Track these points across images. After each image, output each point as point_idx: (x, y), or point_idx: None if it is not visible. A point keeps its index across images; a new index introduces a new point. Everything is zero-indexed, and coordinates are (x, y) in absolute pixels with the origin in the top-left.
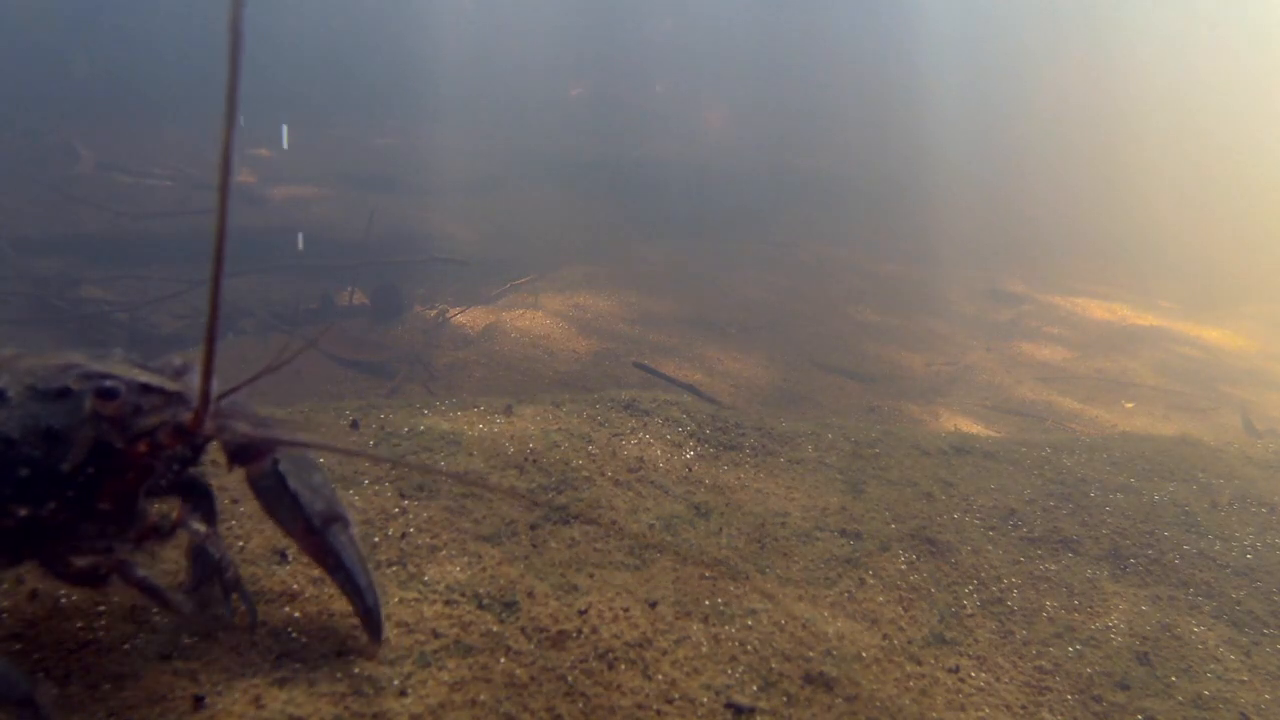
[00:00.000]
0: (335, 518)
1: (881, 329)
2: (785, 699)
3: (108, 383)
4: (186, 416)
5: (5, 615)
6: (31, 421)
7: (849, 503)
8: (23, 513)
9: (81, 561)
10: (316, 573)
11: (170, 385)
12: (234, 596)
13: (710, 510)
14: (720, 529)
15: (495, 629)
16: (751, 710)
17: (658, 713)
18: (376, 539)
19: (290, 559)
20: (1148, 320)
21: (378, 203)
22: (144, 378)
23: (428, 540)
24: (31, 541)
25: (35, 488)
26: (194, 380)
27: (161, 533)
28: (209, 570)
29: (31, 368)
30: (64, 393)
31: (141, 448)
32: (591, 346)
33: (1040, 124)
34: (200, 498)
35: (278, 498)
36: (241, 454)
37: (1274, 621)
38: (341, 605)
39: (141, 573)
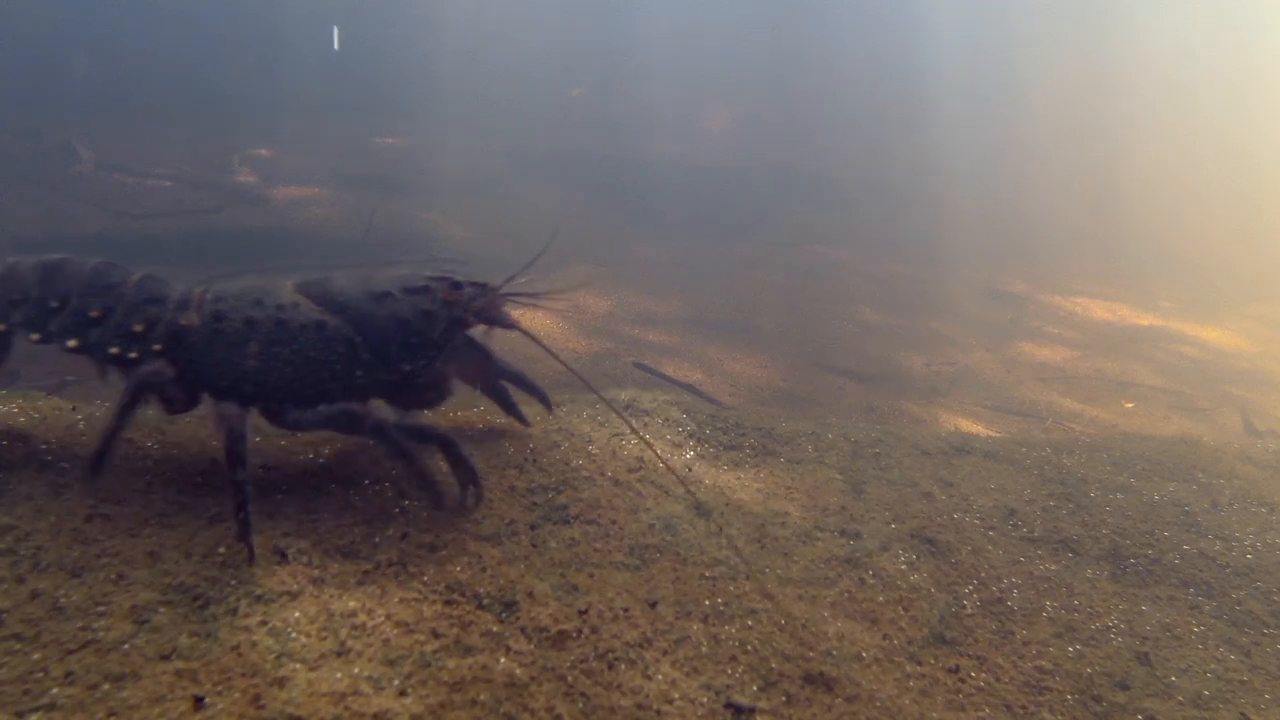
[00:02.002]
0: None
1: (882, 329)
2: (785, 699)
3: (455, 277)
4: (489, 299)
5: (5, 615)
6: (412, 307)
7: (849, 503)
8: (406, 368)
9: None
10: (316, 572)
11: (479, 279)
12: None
13: (710, 510)
14: (720, 529)
15: (495, 629)
16: (751, 710)
17: (658, 713)
18: (376, 539)
19: (290, 559)
20: (1148, 320)
21: (378, 203)
22: (461, 277)
23: (428, 540)
24: (394, 391)
25: (416, 351)
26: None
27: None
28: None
29: (391, 277)
30: (424, 288)
31: (470, 319)
32: (591, 346)
33: (1041, 124)
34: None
35: (490, 356)
36: (494, 323)
37: (1274, 621)
38: (341, 605)
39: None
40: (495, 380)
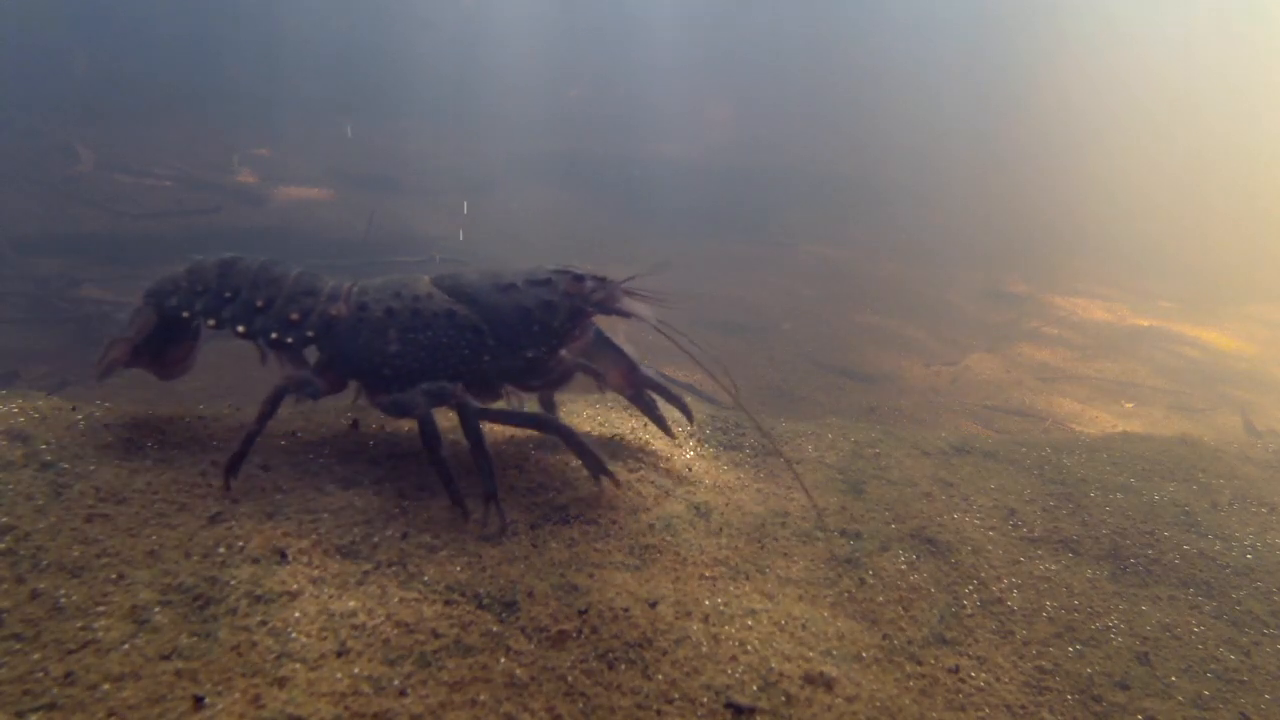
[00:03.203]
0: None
1: (881, 329)
2: (785, 699)
3: (576, 270)
4: (608, 292)
5: (5, 615)
6: (535, 297)
7: (849, 503)
8: (530, 354)
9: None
10: (316, 572)
11: (599, 273)
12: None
13: (710, 510)
14: (720, 529)
15: (495, 629)
16: (751, 710)
17: (658, 713)
18: (376, 539)
19: (290, 559)
20: (1148, 320)
21: (378, 203)
22: (581, 270)
23: (428, 540)
24: (518, 376)
25: (538, 338)
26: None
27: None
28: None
29: (517, 270)
30: (547, 280)
31: (590, 310)
32: None
33: (1041, 125)
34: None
35: (611, 345)
36: (612, 313)
37: (1274, 621)
38: (341, 605)
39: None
40: (640, 389)
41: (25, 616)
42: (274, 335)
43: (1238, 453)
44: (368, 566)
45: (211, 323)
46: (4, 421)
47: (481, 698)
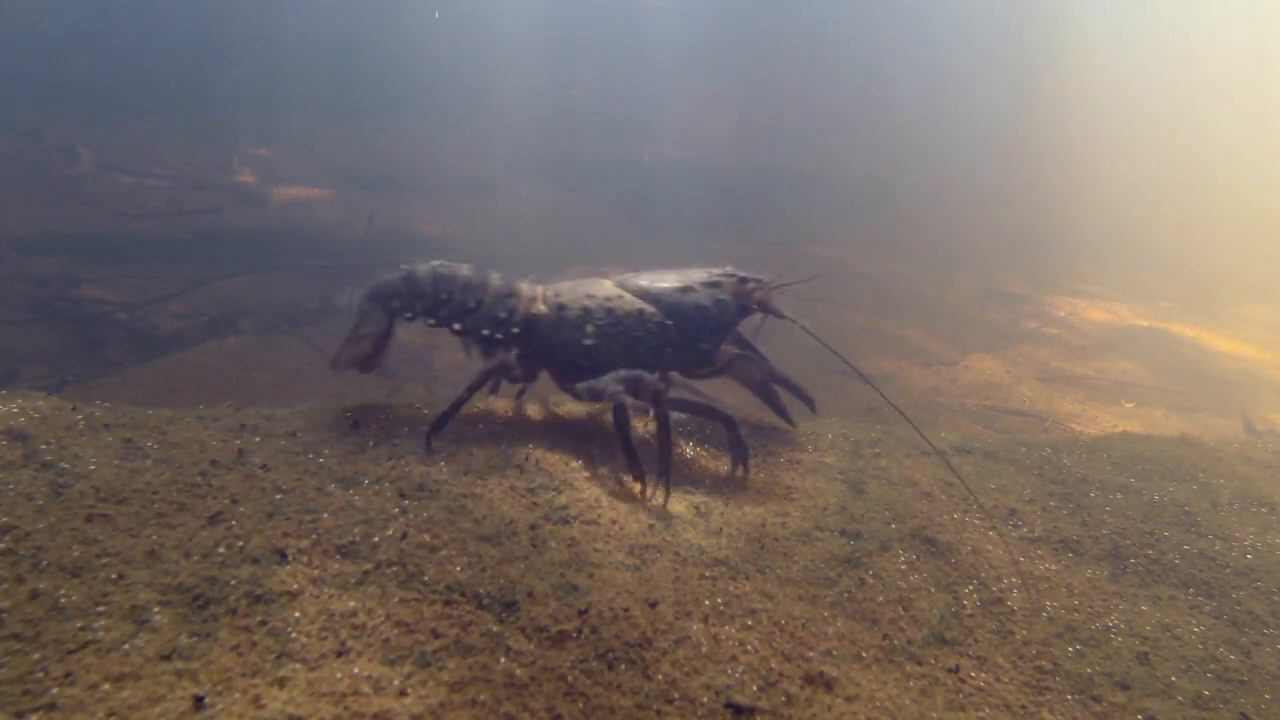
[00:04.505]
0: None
1: (881, 329)
2: (785, 699)
3: (740, 273)
4: (767, 292)
5: (5, 615)
6: (710, 296)
7: (849, 503)
8: (704, 346)
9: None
10: (316, 572)
11: (758, 275)
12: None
13: (710, 510)
14: (720, 529)
15: (495, 629)
16: (751, 710)
17: (658, 713)
18: (376, 539)
19: (290, 559)
20: (1147, 321)
21: (378, 203)
22: (744, 273)
23: (428, 540)
24: (688, 364)
25: (712, 332)
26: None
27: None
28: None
29: (691, 273)
30: (718, 282)
31: (754, 308)
32: None
33: (1040, 125)
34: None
35: (746, 342)
36: (771, 312)
37: (1274, 621)
38: (341, 605)
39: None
40: (768, 383)
41: (25, 616)
42: (485, 332)
43: (1238, 453)
44: (368, 566)
45: (431, 322)
46: (4, 421)
47: (481, 698)
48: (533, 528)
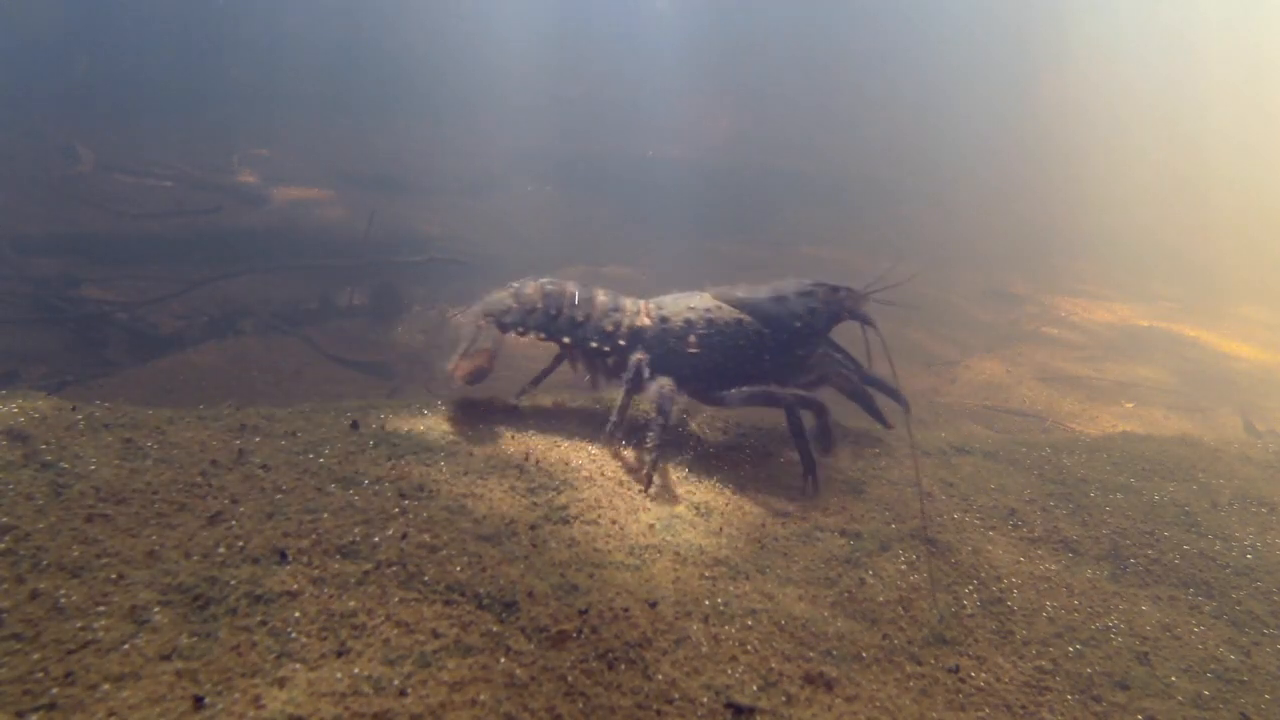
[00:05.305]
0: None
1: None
2: (785, 699)
3: (831, 283)
4: (857, 300)
5: (5, 615)
6: (803, 305)
7: (849, 503)
8: (800, 353)
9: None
10: (316, 572)
11: (848, 285)
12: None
13: (710, 510)
14: (720, 529)
15: (495, 629)
16: (751, 710)
17: (658, 713)
18: (376, 539)
19: (290, 559)
20: (1148, 321)
21: (378, 203)
22: (835, 283)
23: (428, 540)
24: (785, 371)
25: (807, 340)
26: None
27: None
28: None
29: (784, 284)
30: (811, 292)
31: (844, 315)
32: None
33: (1041, 125)
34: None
35: (839, 347)
36: (860, 320)
37: (1274, 621)
38: (341, 606)
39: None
40: (861, 386)
41: (25, 616)
42: (593, 344)
43: (1238, 453)
44: (368, 566)
45: (542, 336)
46: (4, 421)
47: (481, 698)
48: (533, 528)
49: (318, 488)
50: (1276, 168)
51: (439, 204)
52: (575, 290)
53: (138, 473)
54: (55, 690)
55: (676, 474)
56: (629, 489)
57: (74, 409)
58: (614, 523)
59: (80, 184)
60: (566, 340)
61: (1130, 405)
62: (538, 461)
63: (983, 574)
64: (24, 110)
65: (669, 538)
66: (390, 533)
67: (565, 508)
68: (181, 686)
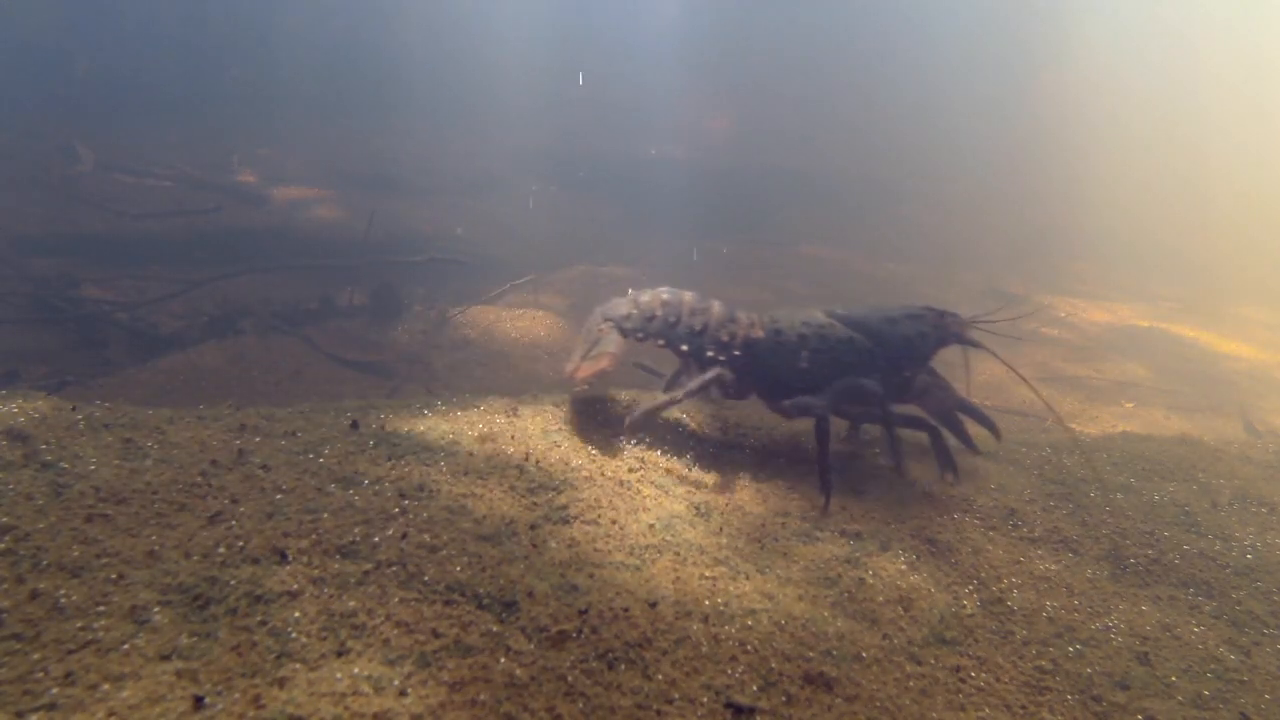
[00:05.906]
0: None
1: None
2: (785, 699)
3: (939, 308)
4: (962, 324)
5: (5, 615)
6: (913, 327)
7: (849, 503)
8: (907, 373)
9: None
10: (316, 572)
11: (953, 310)
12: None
13: (710, 510)
14: (720, 529)
15: (495, 629)
16: (751, 710)
17: (658, 713)
18: (376, 539)
19: (290, 559)
20: (1148, 321)
21: (378, 203)
22: (942, 308)
23: (428, 540)
24: (894, 392)
25: (914, 360)
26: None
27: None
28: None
29: (895, 306)
30: (921, 315)
31: (950, 339)
32: None
33: (1040, 125)
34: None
35: (951, 391)
36: (965, 343)
37: (1274, 621)
38: (341, 606)
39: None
40: (952, 410)
41: (25, 616)
42: (710, 353)
43: (1238, 453)
44: (368, 566)
45: (661, 343)
46: (4, 421)
47: (481, 698)
48: (533, 528)
49: (318, 488)
50: (1276, 168)
51: (439, 204)
52: (692, 299)
53: (138, 473)
54: (55, 690)
55: (677, 474)
56: (629, 489)
57: (74, 409)
58: (614, 523)
59: (80, 184)
60: (684, 348)
61: (1130, 405)
62: (538, 461)
63: (983, 574)
64: (24, 110)
65: (669, 538)
66: (390, 533)
67: (565, 508)
68: (181, 686)
